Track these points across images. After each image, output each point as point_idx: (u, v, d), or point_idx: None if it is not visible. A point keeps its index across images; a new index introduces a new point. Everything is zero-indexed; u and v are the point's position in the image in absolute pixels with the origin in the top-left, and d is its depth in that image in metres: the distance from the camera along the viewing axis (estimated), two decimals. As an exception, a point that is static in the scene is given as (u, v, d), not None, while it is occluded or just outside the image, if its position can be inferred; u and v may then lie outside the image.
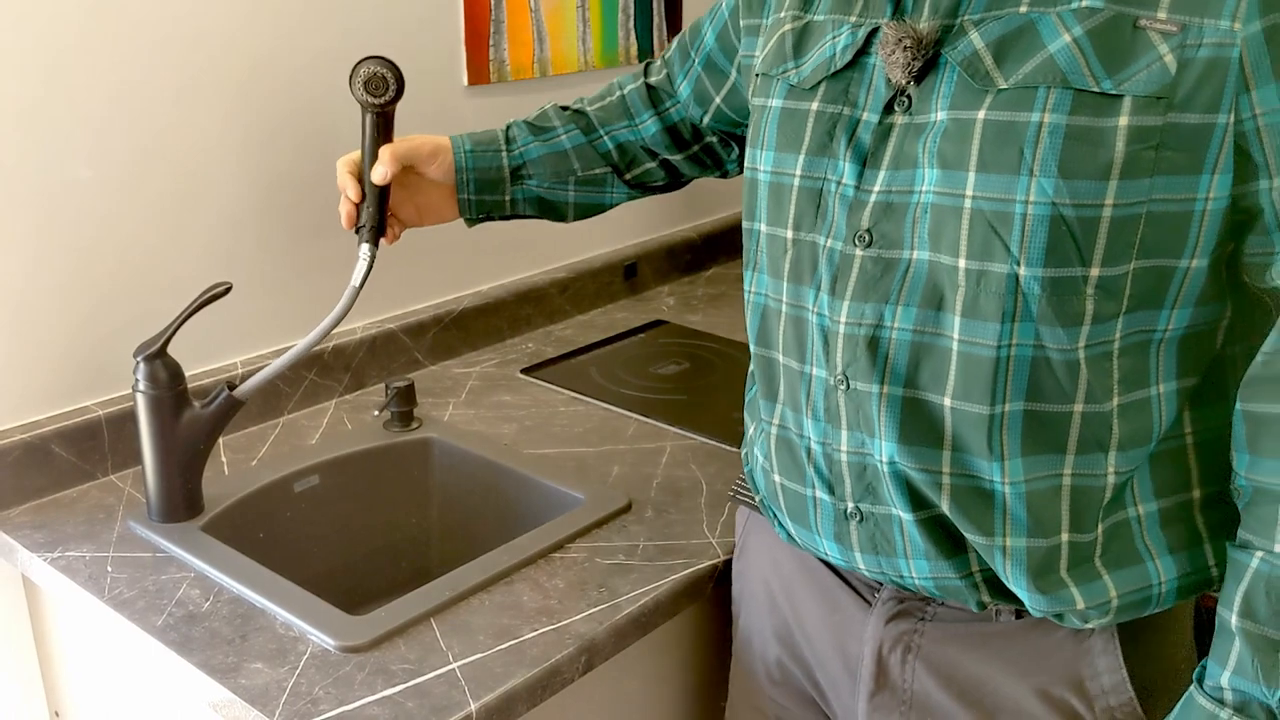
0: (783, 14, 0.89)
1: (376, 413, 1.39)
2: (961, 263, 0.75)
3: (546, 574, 1.09)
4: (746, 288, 0.92)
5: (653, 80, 1.17)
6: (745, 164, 0.90)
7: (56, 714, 1.28)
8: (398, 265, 1.53)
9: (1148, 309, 0.76)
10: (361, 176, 1.08)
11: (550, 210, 1.18)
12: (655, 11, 1.78)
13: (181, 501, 1.16)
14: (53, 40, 1.17)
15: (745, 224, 0.91)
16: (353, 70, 1.07)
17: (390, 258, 1.52)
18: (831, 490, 0.86)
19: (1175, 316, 0.77)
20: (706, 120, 1.14)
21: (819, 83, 0.83)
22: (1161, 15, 0.70)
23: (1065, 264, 0.73)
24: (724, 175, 1.21)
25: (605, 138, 1.16)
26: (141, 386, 1.12)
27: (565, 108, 1.19)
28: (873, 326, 0.80)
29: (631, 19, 1.74)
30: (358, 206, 1.09)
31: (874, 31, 0.80)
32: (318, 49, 1.38)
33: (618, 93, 1.18)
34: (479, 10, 1.53)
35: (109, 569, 1.10)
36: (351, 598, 1.29)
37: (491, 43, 1.55)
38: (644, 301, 1.84)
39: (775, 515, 0.94)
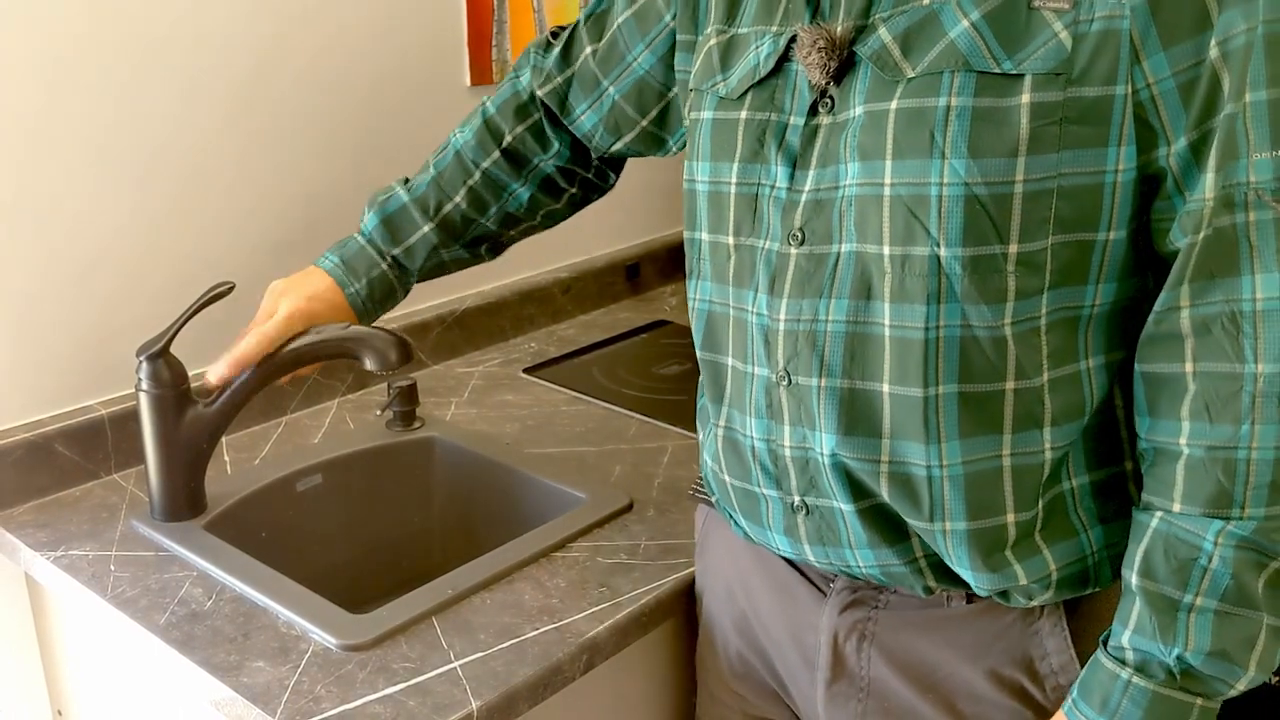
0: (709, 29, 0.91)
1: (379, 412, 1.39)
2: (886, 249, 0.77)
3: (548, 573, 1.09)
4: (691, 296, 0.93)
5: (513, 136, 1.10)
6: (684, 175, 0.91)
7: (59, 712, 1.29)
8: (400, 265, 1.53)
9: (1071, 285, 0.77)
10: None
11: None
12: (658, 12, 1.78)
13: (184, 500, 1.16)
14: (55, 46, 1.17)
15: (687, 234, 0.92)
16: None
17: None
18: (778, 485, 0.87)
19: (1100, 291, 0.78)
20: (617, 147, 1.09)
21: (745, 91, 0.84)
22: None
23: (983, 242, 0.75)
24: (599, 195, 1.19)
25: (476, 226, 1.14)
26: (144, 386, 1.12)
27: (427, 209, 1.13)
28: (810, 321, 0.81)
29: (634, 19, 1.74)
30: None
31: (794, 38, 0.81)
32: (319, 49, 1.38)
33: (474, 172, 1.11)
34: (481, 10, 1.53)
35: (112, 568, 1.10)
36: (354, 596, 1.29)
37: (494, 42, 1.56)
38: (646, 302, 1.85)
39: (730, 514, 0.95)
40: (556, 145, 1.11)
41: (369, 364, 1.13)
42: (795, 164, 0.82)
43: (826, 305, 0.80)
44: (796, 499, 0.86)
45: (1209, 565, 0.74)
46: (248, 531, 1.20)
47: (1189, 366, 0.75)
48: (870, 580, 0.88)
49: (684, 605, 1.08)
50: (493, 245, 1.17)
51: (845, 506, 0.83)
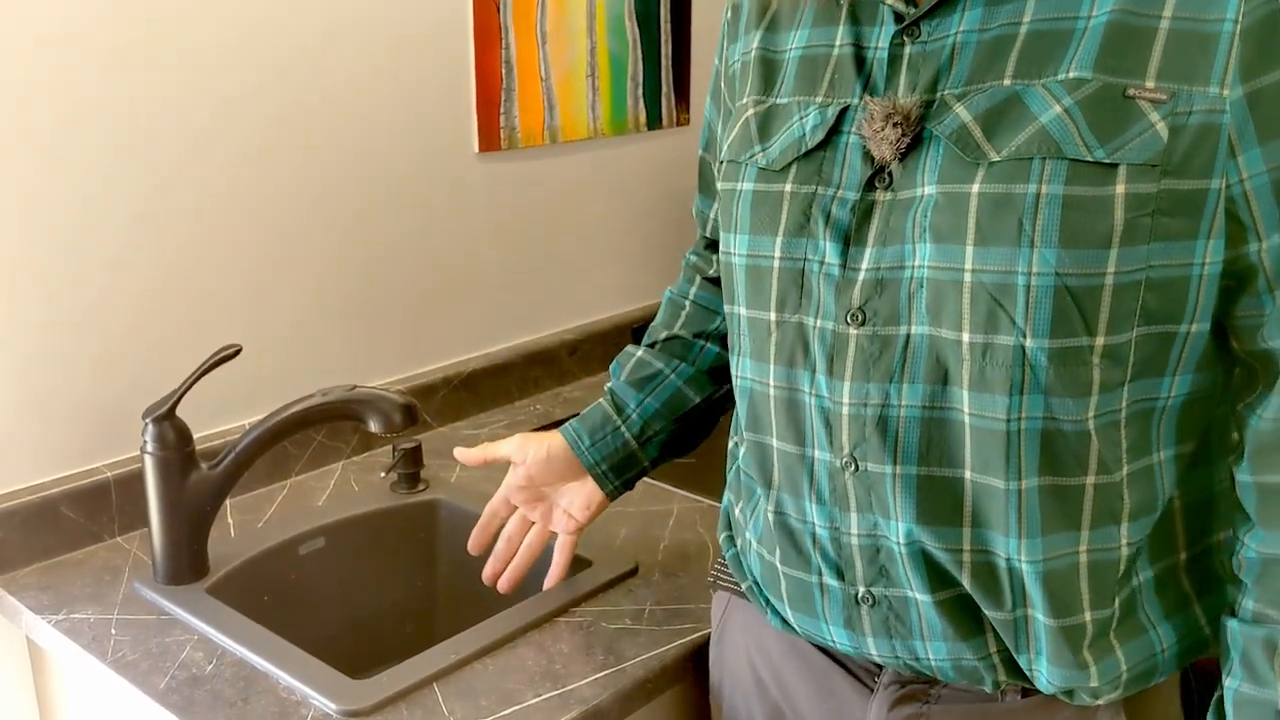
0: (744, 100, 0.89)
1: (384, 474, 1.39)
2: (965, 336, 0.75)
3: (551, 638, 1.08)
4: (733, 372, 0.91)
5: (711, 270, 1.10)
6: (720, 248, 0.90)
7: (57, 779, 1.27)
8: (407, 327, 1.54)
9: (1150, 376, 0.76)
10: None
11: (686, 446, 1.13)
12: (663, 80, 1.81)
13: (187, 563, 1.16)
14: (54, 113, 1.19)
15: (726, 308, 0.90)
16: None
17: (400, 319, 1.53)
18: (841, 575, 0.83)
19: (1177, 383, 0.77)
20: None
21: (790, 164, 0.82)
22: (1150, 84, 0.71)
23: (1071, 334, 0.73)
24: None
25: (706, 347, 1.09)
26: (150, 448, 1.13)
27: (653, 343, 1.11)
28: (879, 406, 0.78)
29: (640, 87, 1.77)
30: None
31: (845, 110, 0.80)
32: (326, 116, 1.40)
33: (686, 302, 1.11)
34: (490, 78, 1.56)
35: (113, 631, 1.09)
36: (356, 660, 1.28)
37: (502, 110, 1.58)
38: (653, 364, 1.85)
39: (769, 602, 0.92)
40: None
41: (374, 426, 1.13)
42: (848, 240, 0.79)
43: (899, 390, 0.78)
44: (861, 589, 0.83)
45: None
46: (250, 594, 1.20)
47: None
48: (935, 674, 0.84)
49: (690, 672, 1.07)
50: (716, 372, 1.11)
51: (922, 597, 0.80)
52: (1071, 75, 0.72)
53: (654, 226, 1.82)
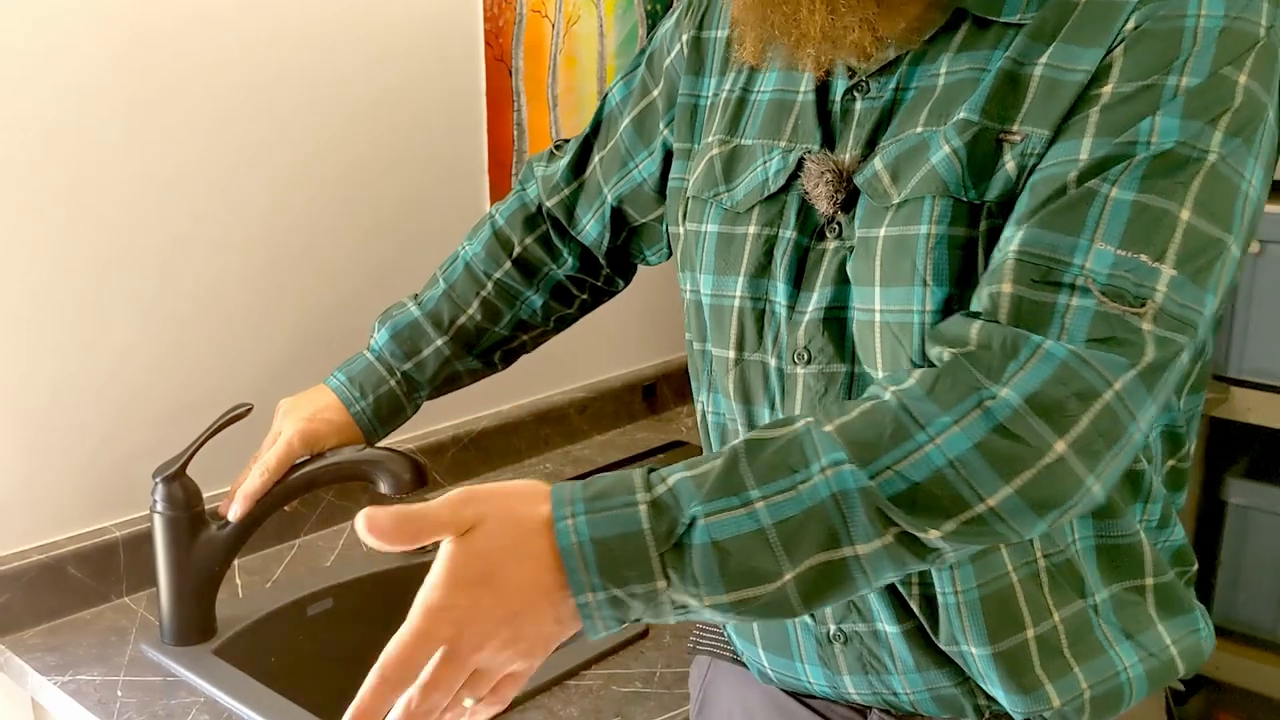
0: (710, 138, 0.90)
1: (393, 534, 1.38)
2: (879, 374, 0.77)
3: (560, 702, 1.06)
4: (704, 408, 0.91)
5: (523, 246, 1.10)
6: (685, 286, 0.91)
7: (58, 845, 1.25)
8: (418, 386, 1.54)
9: None
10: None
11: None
12: (674, 140, 1.82)
13: (195, 624, 1.15)
14: (69, 170, 1.21)
15: (697, 345, 0.91)
16: None
17: (411, 379, 1.53)
18: (812, 614, 0.84)
19: None
20: (620, 249, 1.09)
21: (753, 206, 0.84)
22: (1014, 128, 0.73)
23: None
24: (609, 298, 1.18)
25: (490, 335, 1.12)
26: (159, 508, 1.12)
27: (440, 321, 1.11)
28: None
29: (650, 147, 1.79)
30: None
31: (805, 155, 0.82)
32: (339, 174, 1.42)
33: (487, 283, 1.10)
34: (502, 141, 1.57)
35: (119, 693, 1.08)
36: (363, 725, 1.27)
37: (514, 172, 1.59)
38: (664, 422, 1.85)
39: (744, 650, 0.90)
40: (566, 255, 1.11)
41: (384, 487, 1.13)
42: (798, 282, 0.82)
43: None
44: (832, 627, 0.83)
45: (800, 485, 0.66)
46: (258, 656, 1.19)
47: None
48: (916, 709, 0.84)
49: (700, 736, 1.05)
50: (506, 354, 1.16)
51: (891, 629, 0.81)
52: (961, 117, 0.74)
53: (663, 285, 1.82)
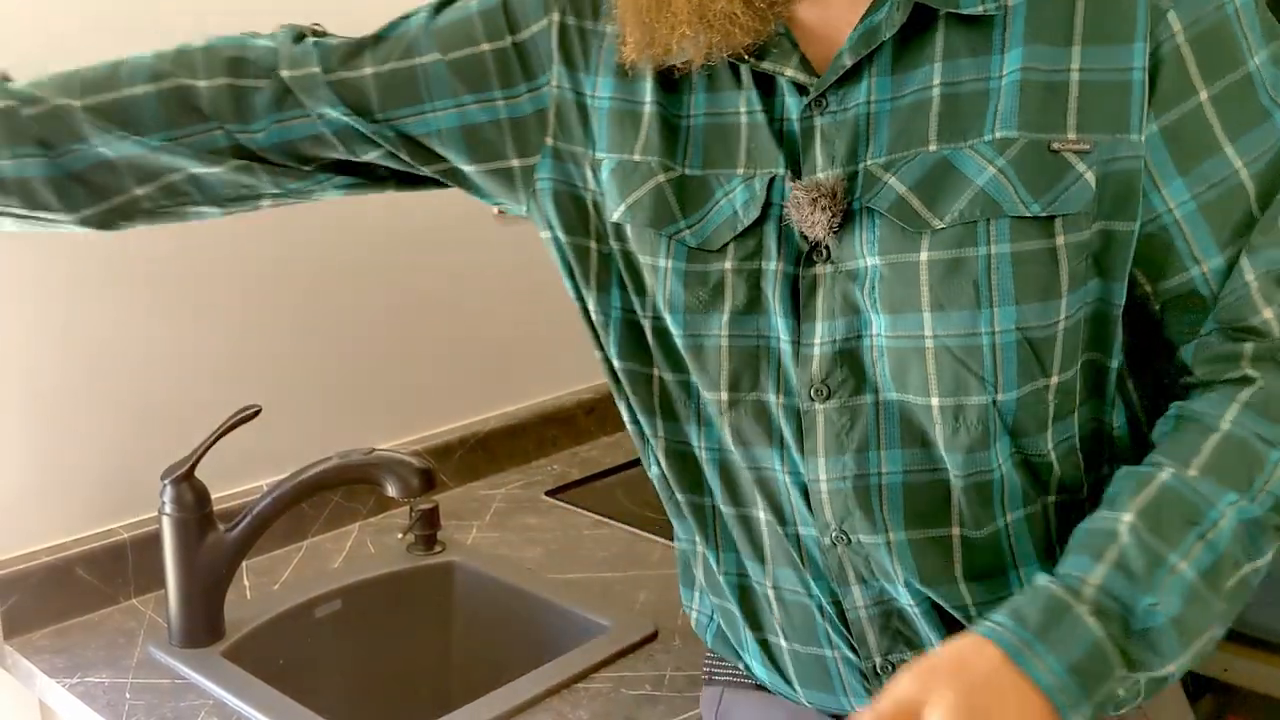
0: (638, 158, 0.82)
1: (401, 536, 1.38)
2: (935, 400, 0.75)
3: (570, 704, 1.06)
4: (692, 445, 0.84)
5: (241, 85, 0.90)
6: (646, 313, 0.84)
7: (66, 847, 1.25)
8: (423, 387, 1.54)
9: (1096, 400, 0.78)
10: None
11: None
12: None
13: (203, 626, 1.15)
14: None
15: (670, 376, 0.84)
16: None
17: (416, 380, 1.53)
18: (854, 649, 0.82)
19: (1118, 413, 0.80)
20: (304, 158, 0.92)
21: (727, 243, 0.79)
22: (1072, 136, 0.72)
23: (1032, 380, 0.75)
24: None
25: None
26: (168, 509, 1.12)
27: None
28: (859, 476, 0.77)
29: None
30: None
31: (772, 181, 0.78)
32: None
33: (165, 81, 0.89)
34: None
35: (127, 695, 1.08)
36: (371, 727, 1.27)
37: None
38: (670, 423, 1.84)
39: (776, 683, 0.88)
40: (258, 128, 0.90)
41: (392, 490, 1.13)
42: (797, 314, 0.78)
43: (877, 457, 0.77)
44: (878, 660, 0.81)
45: (1207, 534, 0.70)
46: (266, 658, 1.19)
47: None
48: None
49: (710, 740, 1.05)
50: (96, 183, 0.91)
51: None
52: (999, 136, 0.73)
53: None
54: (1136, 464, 0.77)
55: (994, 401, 0.74)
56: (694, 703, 1.05)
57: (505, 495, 1.55)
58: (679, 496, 0.87)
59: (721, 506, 0.85)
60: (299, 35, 0.92)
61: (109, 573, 1.24)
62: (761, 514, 0.83)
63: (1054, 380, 0.75)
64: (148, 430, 1.28)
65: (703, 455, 0.85)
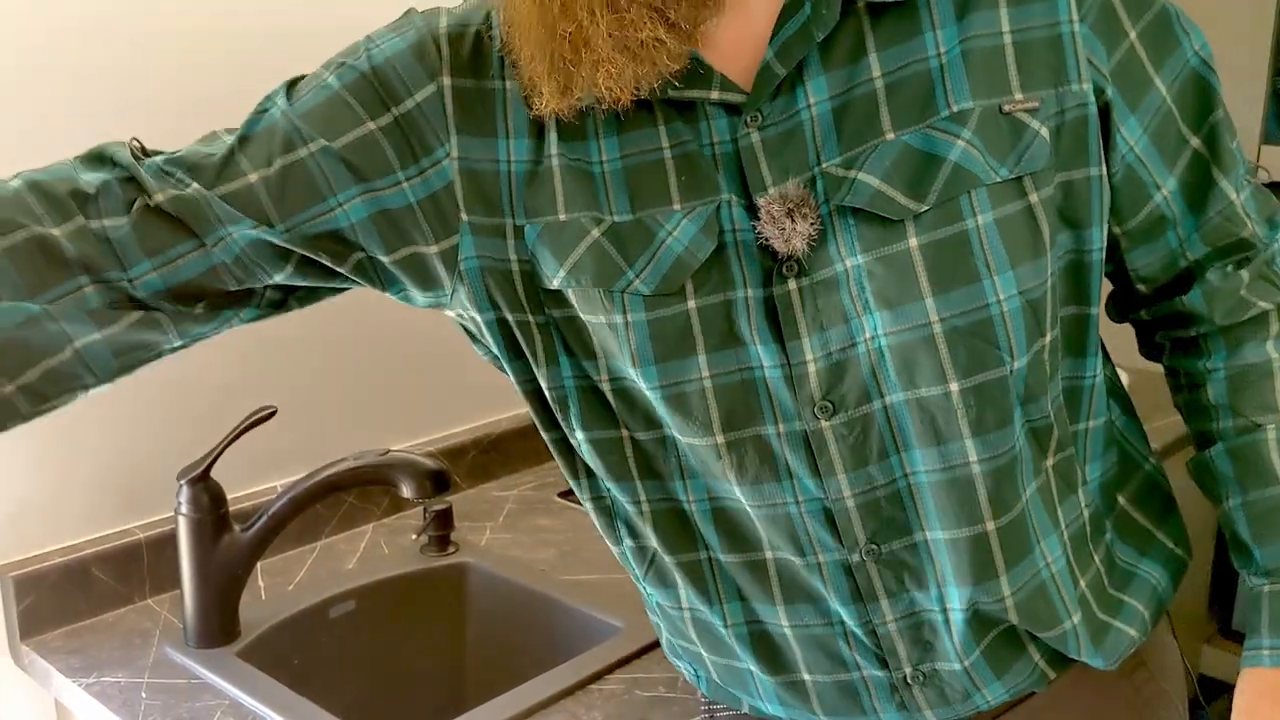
0: (564, 217, 0.77)
1: (415, 537, 1.38)
2: (954, 386, 0.74)
3: (584, 705, 1.06)
4: (681, 500, 0.80)
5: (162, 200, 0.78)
6: (601, 376, 0.79)
7: (82, 846, 1.26)
8: (436, 389, 1.54)
9: (1075, 356, 0.81)
10: None
11: None
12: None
13: (218, 627, 1.16)
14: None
15: (646, 435, 0.79)
16: None
17: (429, 381, 1.53)
18: (883, 664, 0.81)
19: (1097, 364, 0.82)
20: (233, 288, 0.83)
21: (683, 284, 0.75)
22: (1019, 96, 0.74)
23: (1036, 340, 0.76)
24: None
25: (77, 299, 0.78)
26: (184, 510, 1.13)
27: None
28: (885, 485, 0.76)
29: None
30: None
31: (718, 209, 0.75)
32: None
33: (94, 229, 0.77)
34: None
35: (143, 695, 1.09)
36: (385, 727, 1.27)
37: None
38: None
39: (797, 714, 0.86)
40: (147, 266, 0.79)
41: (406, 491, 1.13)
42: (779, 337, 0.75)
43: (899, 461, 0.76)
44: (908, 670, 0.81)
45: None
46: (281, 659, 1.19)
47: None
48: (994, 709, 0.84)
49: (724, 741, 1.05)
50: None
51: (969, 660, 0.80)
52: (955, 109, 0.73)
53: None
54: (1110, 411, 0.84)
55: (1010, 371, 0.75)
56: (708, 704, 1.05)
57: (518, 497, 1.55)
58: (669, 559, 0.83)
59: (721, 557, 0.82)
60: (133, 156, 0.79)
61: (125, 573, 1.24)
62: (769, 554, 0.81)
63: (1048, 339, 0.77)
64: (164, 431, 1.28)
65: (693, 509, 0.81)
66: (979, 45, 0.74)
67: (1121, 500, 0.87)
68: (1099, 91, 0.76)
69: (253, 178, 0.78)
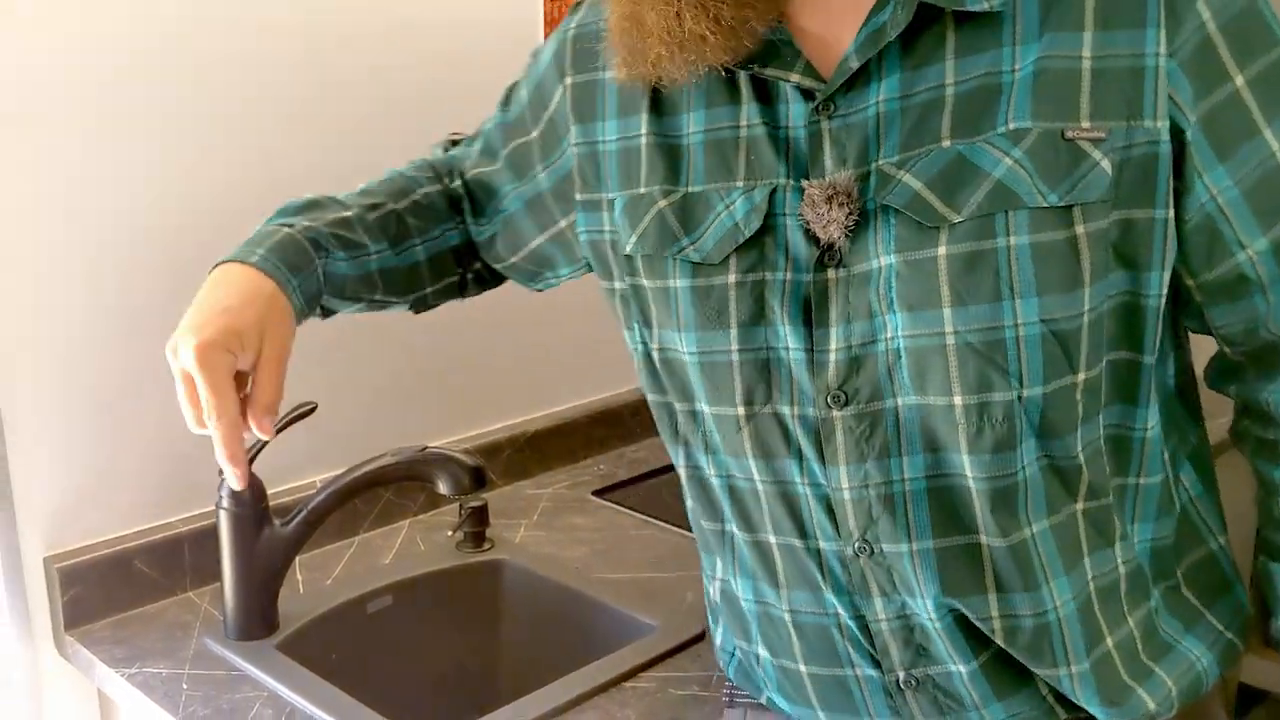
0: (643, 190, 0.84)
1: (451, 533, 1.40)
2: (958, 400, 0.74)
3: (618, 703, 1.07)
4: (699, 470, 0.86)
5: (449, 187, 1.03)
6: (653, 345, 0.85)
7: (123, 833, 1.28)
8: (472, 388, 1.55)
9: (1124, 404, 0.78)
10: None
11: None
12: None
13: (258, 619, 1.17)
14: (148, 171, 1.23)
15: (680, 405, 0.85)
16: None
17: (464, 380, 1.54)
18: (877, 664, 0.81)
19: (1152, 414, 0.79)
20: (501, 269, 1.04)
21: (728, 256, 0.79)
22: (1085, 124, 0.72)
23: (1060, 376, 0.74)
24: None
25: (417, 247, 1.00)
26: (225, 504, 1.14)
27: (373, 206, 0.98)
28: (882, 484, 0.77)
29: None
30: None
31: (774, 192, 0.78)
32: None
33: (416, 191, 1.01)
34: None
35: (184, 686, 1.10)
36: (420, 721, 1.28)
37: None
38: (716, 425, 1.84)
39: (799, 711, 0.87)
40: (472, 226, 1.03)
41: (443, 488, 1.14)
42: (809, 322, 0.77)
43: (899, 464, 0.76)
44: (901, 674, 0.80)
45: None
46: (318, 652, 1.20)
47: None
48: None
49: (756, 741, 1.05)
50: (410, 277, 1.01)
51: (965, 667, 0.79)
52: (1012, 127, 0.73)
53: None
54: (1174, 473, 0.80)
55: (1019, 398, 0.74)
56: (741, 703, 1.05)
57: (552, 495, 1.56)
58: (705, 525, 0.88)
59: (737, 532, 0.85)
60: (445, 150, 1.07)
61: (167, 566, 1.26)
62: (773, 537, 0.82)
63: (1081, 378, 0.75)
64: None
65: (714, 482, 0.85)
66: (1054, 66, 0.72)
67: (1175, 572, 0.84)
68: (1177, 132, 0.73)
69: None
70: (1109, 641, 0.79)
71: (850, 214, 0.74)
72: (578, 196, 0.90)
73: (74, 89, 1.17)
